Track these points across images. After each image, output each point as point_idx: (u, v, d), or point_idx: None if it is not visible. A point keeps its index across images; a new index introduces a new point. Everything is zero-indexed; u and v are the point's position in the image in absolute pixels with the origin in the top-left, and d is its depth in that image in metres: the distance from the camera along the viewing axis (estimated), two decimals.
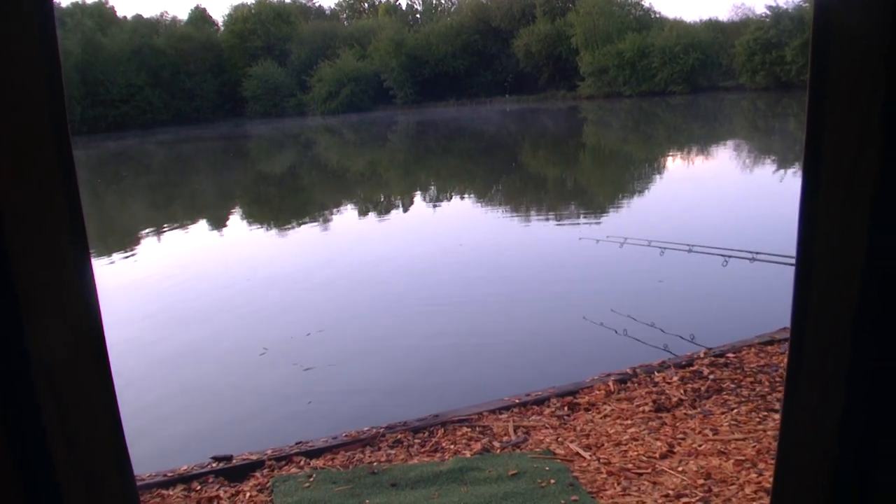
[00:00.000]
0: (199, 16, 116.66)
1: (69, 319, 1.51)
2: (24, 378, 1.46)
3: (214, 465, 6.00)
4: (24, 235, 1.43)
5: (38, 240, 1.46)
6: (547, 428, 6.22)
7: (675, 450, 5.57)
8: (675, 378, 7.02)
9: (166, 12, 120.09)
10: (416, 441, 6.25)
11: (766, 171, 27.81)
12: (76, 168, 1.49)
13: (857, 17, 1.51)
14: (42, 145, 1.44)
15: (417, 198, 28.96)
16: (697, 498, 4.82)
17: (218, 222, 25.02)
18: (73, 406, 1.54)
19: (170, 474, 5.89)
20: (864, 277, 1.58)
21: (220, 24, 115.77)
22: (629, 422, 6.15)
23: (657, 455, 5.49)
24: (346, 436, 6.38)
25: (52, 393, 1.50)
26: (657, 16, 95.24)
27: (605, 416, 6.35)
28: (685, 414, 6.20)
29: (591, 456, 5.60)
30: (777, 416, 5.80)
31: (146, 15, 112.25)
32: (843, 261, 1.61)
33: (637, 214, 20.02)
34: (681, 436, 5.81)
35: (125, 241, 21.05)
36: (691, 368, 7.27)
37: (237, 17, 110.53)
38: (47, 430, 1.51)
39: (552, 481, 5.20)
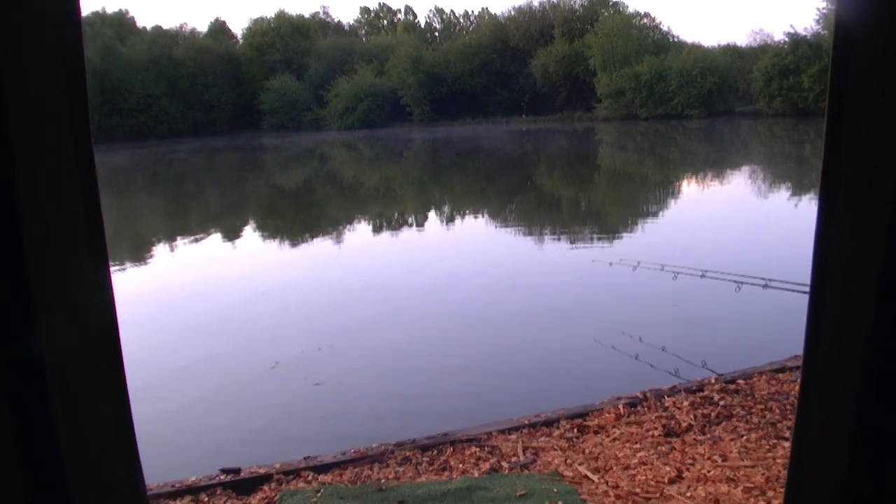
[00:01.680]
0: (219, 28, 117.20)
1: (84, 321, 1.53)
2: (38, 382, 1.47)
3: (223, 477, 6.01)
4: (41, 238, 1.45)
5: (56, 243, 1.47)
6: (556, 449, 6.21)
7: (684, 475, 5.56)
8: (686, 403, 7.00)
9: (186, 24, 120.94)
10: (425, 459, 6.25)
11: (782, 197, 27.76)
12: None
13: (875, 47, 1.52)
14: (63, 152, 1.46)
15: (432, 215, 29.00)
16: None
17: (232, 234, 25.05)
18: (85, 414, 1.55)
19: (178, 485, 5.90)
20: (877, 307, 1.59)
21: (239, 36, 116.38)
22: (638, 446, 6.14)
23: (666, 480, 5.48)
24: (354, 452, 6.38)
25: (66, 399, 1.51)
26: (675, 39, 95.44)
27: (615, 439, 6.34)
28: (695, 439, 6.19)
29: (599, 479, 5.59)
30: (787, 444, 5.79)
31: (166, 26, 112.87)
32: (857, 289, 1.61)
33: (651, 238, 19.99)
34: (690, 461, 5.79)
35: (138, 252, 21.11)
36: (702, 394, 7.26)
37: (256, 30, 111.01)
38: (59, 437, 1.52)
39: (560, 503, 5.19)
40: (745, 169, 38.18)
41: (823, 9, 77.35)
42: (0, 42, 1.37)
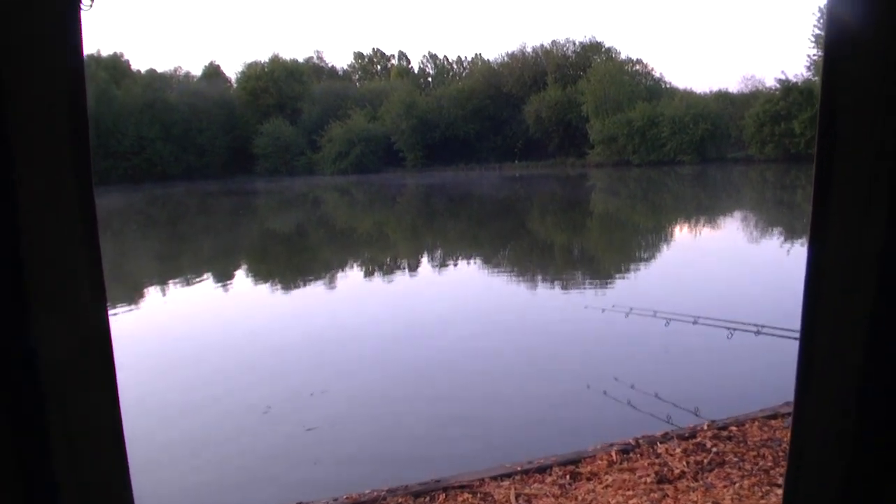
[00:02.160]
0: (213, 72, 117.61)
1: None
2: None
3: None
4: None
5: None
6: (548, 496, 6.20)
7: None
8: (678, 450, 6.99)
9: (180, 67, 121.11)
10: None
11: (774, 242, 27.84)
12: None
13: (864, 98, 1.54)
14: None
15: (424, 260, 29.02)
16: None
17: (224, 278, 25.03)
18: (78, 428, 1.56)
19: None
20: (866, 352, 1.60)
21: (233, 80, 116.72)
22: (631, 493, 6.13)
23: None
24: (347, 498, 6.37)
25: (60, 413, 1.53)
26: (667, 85, 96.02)
27: (607, 486, 6.32)
28: (687, 486, 6.17)
29: None
30: (780, 491, 5.78)
31: (160, 69, 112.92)
32: (847, 336, 1.63)
33: (643, 284, 20.02)
34: None
35: (129, 295, 21.06)
36: (694, 440, 7.25)
37: (250, 74, 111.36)
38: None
39: None
40: (737, 215, 38.34)
41: (814, 55, 78.04)
42: (5, 86, 1.39)
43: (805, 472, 1.76)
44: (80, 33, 1.48)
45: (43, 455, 1.52)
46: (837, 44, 1.59)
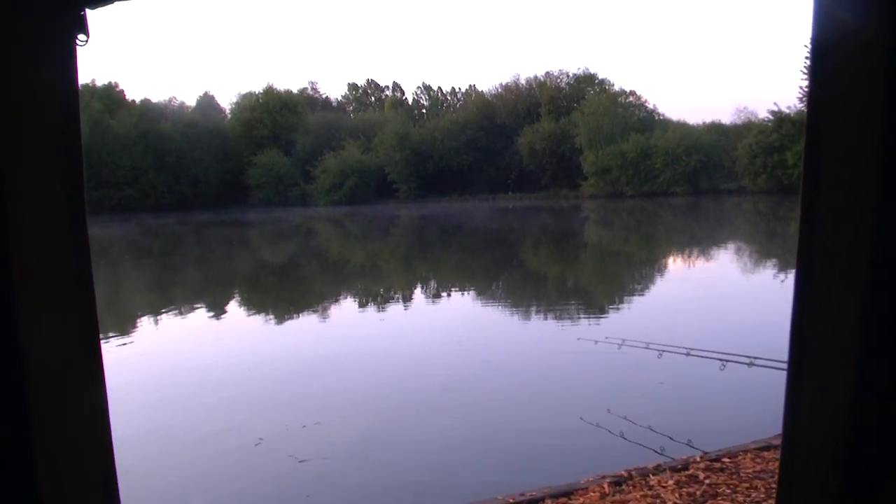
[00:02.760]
0: (207, 102, 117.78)
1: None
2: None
3: None
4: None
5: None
6: None
7: None
8: (671, 482, 6.98)
9: (174, 97, 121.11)
10: None
11: (767, 274, 27.91)
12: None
13: (847, 128, 1.56)
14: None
15: (417, 292, 29.01)
16: None
17: (217, 309, 25.01)
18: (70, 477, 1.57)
19: None
20: (854, 382, 1.61)
21: (228, 111, 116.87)
22: None
23: None
24: None
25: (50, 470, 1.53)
26: (661, 117, 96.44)
27: None
28: None
29: None
30: None
31: (154, 99, 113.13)
32: (834, 366, 1.64)
33: (636, 315, 20.04)
34: None
35: (122, 325, 21.00)
36: (687, 472, 7.24)
37: (245, 105, 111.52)
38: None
39: None
40: (731, 246, 38.44)
41: (806, 87, 78.21)
42: (2, 121, 1.41)
43: (795, 502, 1.77)
44: (76, 70, 1.50)
45: (28, 466, 1.52)
46: (822, 67, 1.62)
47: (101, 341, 1.70)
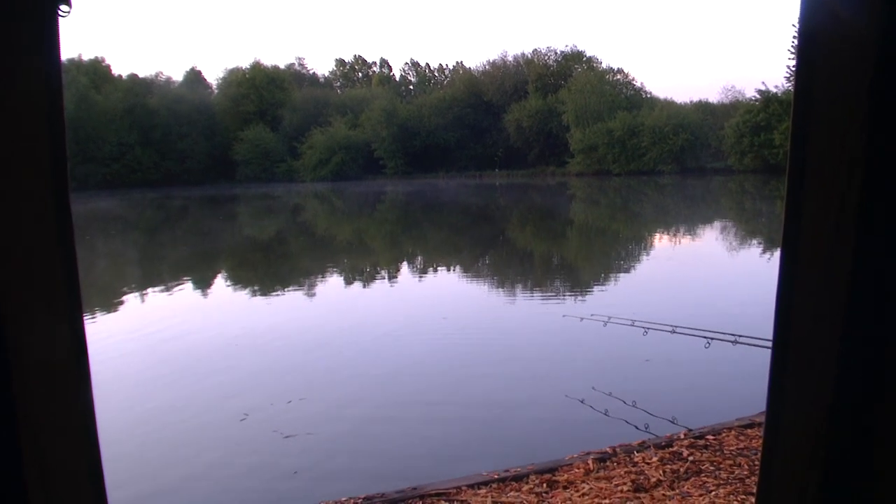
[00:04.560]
0: (194, 77, 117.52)
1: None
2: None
3: None
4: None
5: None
6: None
7: None
8: (655, 459, 7.01)
9: (161, 72, 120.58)
10: None
11: (752, 252, 27.96)
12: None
13: (836, 105, 1.56)
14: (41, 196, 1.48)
15: (403, 268, 28.98)
16: None
17: (202, 284, 24.97)
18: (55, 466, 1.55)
19: None
20: (838, 361, 1.62)
21: (215, 86, 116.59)
22: (607, 501, 6.13)
23: None
24: None
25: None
26: (648, 95, 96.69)
27: (584, 494, 6.33)
28: (663, 495, 6.18)
29: None
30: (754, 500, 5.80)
31: (141, 74, 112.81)
32: (818, 345, 1.64)
33: (622, 293, 20.06)
34: None
35: (107, 300, 20.96)
36: (671, 449, 7.27)
37: (231, 80, 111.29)
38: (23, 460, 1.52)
39: None
40: (716, 225, 38.54)
41: (794, 66, 78.31)
42: None
43: (777, 481, 1.77)
44: (58, 39, 1.48)
45: (14, 464, 1.51)
46: (810, 51, 1.61)
47: (86, 318, 1.69)
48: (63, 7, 1.51)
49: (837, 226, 1.58)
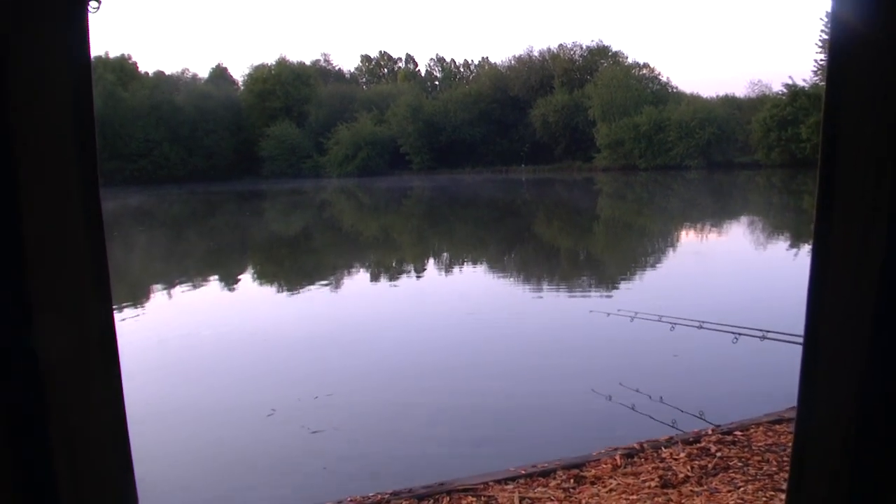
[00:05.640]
0: (220, 74, 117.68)
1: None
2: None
3: None
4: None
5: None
6: (552, 500, 6.18)
7: None
8: (683, 454, 6.98)
9: (187, 69, 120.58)
10: None
11: (780, 247, 27.85)
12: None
13: (867, 99, 1.55)
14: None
15: (430, 263, 29.03)
16: None
17: (229, 280, 25.06)
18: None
19: None
20: (869, 357, 1.60)
21: (240, 83, 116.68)
22: (635, 497, 6.11)
23: None
24: (350, 501, 6.35)
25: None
26: (674, 90, 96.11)
27: (611, 490, 6.31)
28: (691, 491, 6.16)
29: None
30: (784, 497, 5.76)
31: (168, 71, 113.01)
32: (850, 341, 1.63)
33: (649, 288, 20.01)
34: None
35: (134, 295, 21.06)
36: (699, 445, 7.24)
37: (257, 77, 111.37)
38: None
39: None
40: (744, 220, 38.38)
41: (821, 60, 77.99)
42: (12, 90, 1.40)
43: (808, 478, 1.76)
44: (87, 35, 1.49)
45: (44, 456, 1.51)
46: (841, 47, 1.60)
47: (115, 314, 1.69)
48: (93, 3, 1.51)
49: (867, 225, 1.57)
